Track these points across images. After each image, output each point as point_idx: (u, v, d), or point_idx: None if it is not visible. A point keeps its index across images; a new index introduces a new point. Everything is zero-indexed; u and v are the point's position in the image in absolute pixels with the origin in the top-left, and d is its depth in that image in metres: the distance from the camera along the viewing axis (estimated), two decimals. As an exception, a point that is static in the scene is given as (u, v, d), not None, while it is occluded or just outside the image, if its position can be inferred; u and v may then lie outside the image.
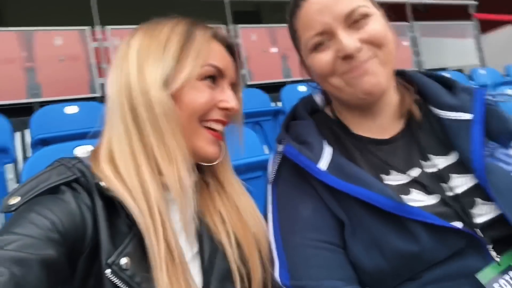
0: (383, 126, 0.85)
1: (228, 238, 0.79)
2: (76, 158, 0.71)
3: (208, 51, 0.77)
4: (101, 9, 3.88)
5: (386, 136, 0.85)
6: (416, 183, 0.77)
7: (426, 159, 0.81)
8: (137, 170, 0.69)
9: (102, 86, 3.72)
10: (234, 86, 0.84)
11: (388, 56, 0.77)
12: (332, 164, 0.77)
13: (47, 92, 3.55)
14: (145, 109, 0.71)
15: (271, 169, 0.86)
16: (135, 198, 0.66)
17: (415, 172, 0.79)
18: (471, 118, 0.78)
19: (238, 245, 0.79)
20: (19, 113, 3.02)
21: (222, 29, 0.84)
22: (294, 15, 0.82)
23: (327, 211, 0.77)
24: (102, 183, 0.67)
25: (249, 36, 4.71)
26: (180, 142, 0.72)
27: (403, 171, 0.79)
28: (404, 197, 0.74)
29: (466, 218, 0.72)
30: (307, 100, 0.96)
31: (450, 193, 0.76)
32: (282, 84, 3.82)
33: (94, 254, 0.62)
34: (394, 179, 0.78)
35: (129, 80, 0.73)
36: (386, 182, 0.78)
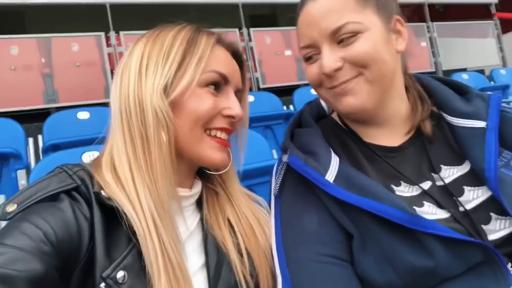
0: (391, 134, 0.81)
1: (236, 249, 0.77)
2: (78, 165, 0.70)
3: (211, 57, 0.74)
4: (115, 15, 3.93)
5: (395, 143, 0.80)
6: (427, 195, 0.73)
7: (438, 170, 0.76)
8: (133, 179, 0.67)
9: (117, 91, 3.75)
10: (240, 92, 0.82)
11: (377, 75, 0.73)
12: (340, 175, 0.72)
13: (63, 97, 3.61)
14: (139, 118, 0.70)
15: (275, 180, 0.82)
16: (134, 208, 0.64)
17: (426, 185, 0.75)
18: (485, 126, 0.74)
19: (248, 255, 0.77)
20: (36, 119, 3.07)
21: (227, 34, 0.82)
22: (296, 23, 0.81)
23: (334, 223, 0.72)
24: (103, 192, 0.65)
25: (263, 39, 4.70)
26: (164, 154, 0.69)
27: (414, 182, 0.74)
28: (417, 209, 0.70)
29: (477, 235, 0.67)
30: (314, 105, 0.92)
31: (461, 208, 0.71)
32: (297, 87, 3.79)
33: (89, 266, 0.60)
34: (405, 190, 0.74)
35: (128, 87, 0.72)
36: (397, 193, 0.74)
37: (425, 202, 0.72)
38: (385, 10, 0.76)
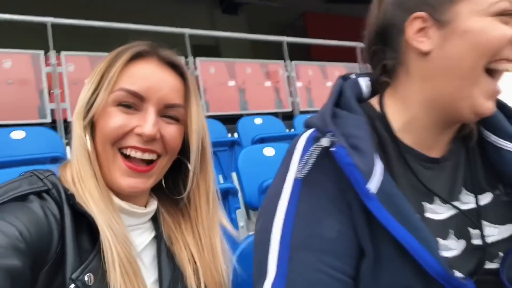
0: (439, 143, 0.74)
1: (195, 276, 0.78)
2: (48, 170, 0.71)
3: (123, 74, 0.74)
4: (56, 34, 3.80)
5: (435, 154, 0.73)
6: (455, 219, 0.69)
7: (464, 191, 0.73)
8: (82, 190, 0.69)
9: (53, 111, 3.59)
10: (179, 108, 0.77)
11: None
12: (382, 188, 0.61)
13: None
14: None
15: (300, 160, 0.67)
16: (95, 218, 0.66)
17: (457, 204, 0.70)
18: None
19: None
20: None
21: (167, 50, 0.80)
22: None
23: (353, 236, 0.64)
24: (75, 197, 0.67)
25: (208, 69, 4.80)
26: (89, 172, 0.71)
27: (446, 200, 0.69)
28: (440, 241, 0.66)
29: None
30: (353, 84, 0.76)
31: (476, 242, 0.69)
32: (240, 117, 3.89)
33: (57, 267, 0.61)
34: (437, 210, 0.69)
35: None
36: (426, 214, 0.68)
37: (450, 231, 0.68)
38: None
